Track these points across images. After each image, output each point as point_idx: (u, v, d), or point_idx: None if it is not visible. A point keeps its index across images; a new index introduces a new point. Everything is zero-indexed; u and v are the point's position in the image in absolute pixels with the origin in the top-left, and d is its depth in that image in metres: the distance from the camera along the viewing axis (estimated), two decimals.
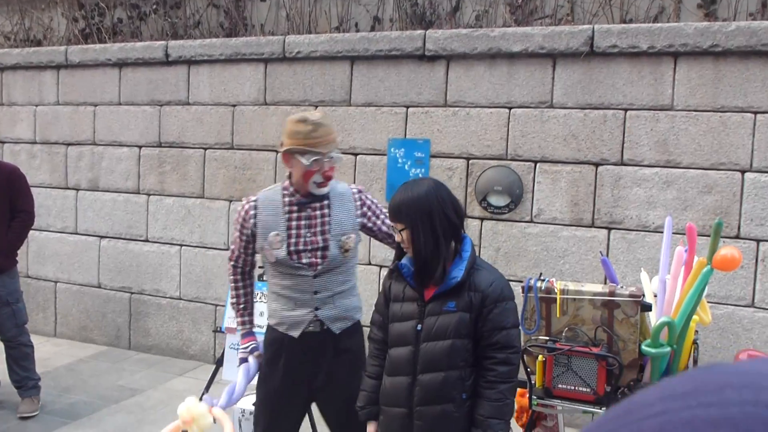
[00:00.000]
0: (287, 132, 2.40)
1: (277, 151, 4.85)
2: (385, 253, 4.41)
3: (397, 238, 2.12)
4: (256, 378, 2.64)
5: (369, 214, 2.53)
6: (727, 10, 3.98)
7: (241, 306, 2.66)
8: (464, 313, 2.03)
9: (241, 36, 5.10)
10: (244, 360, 2.64)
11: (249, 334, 2.67)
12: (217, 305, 5.02)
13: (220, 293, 4.93)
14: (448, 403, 2.03)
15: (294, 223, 2.44)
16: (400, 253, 2.18)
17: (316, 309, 2.45)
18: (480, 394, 2.04)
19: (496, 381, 2.02)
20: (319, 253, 2.42)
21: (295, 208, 2.45)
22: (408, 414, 2.09)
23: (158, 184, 5.27)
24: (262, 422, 2.59)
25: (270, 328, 2.56)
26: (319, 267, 2.42)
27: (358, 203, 2.52)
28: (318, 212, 2.45)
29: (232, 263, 2.63)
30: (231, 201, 5.02)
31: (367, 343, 2.44)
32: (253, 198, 2.51)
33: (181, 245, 5.19)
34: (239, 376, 2.57)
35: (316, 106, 4.72)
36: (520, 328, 2.44)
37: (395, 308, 2.16)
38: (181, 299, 5.20)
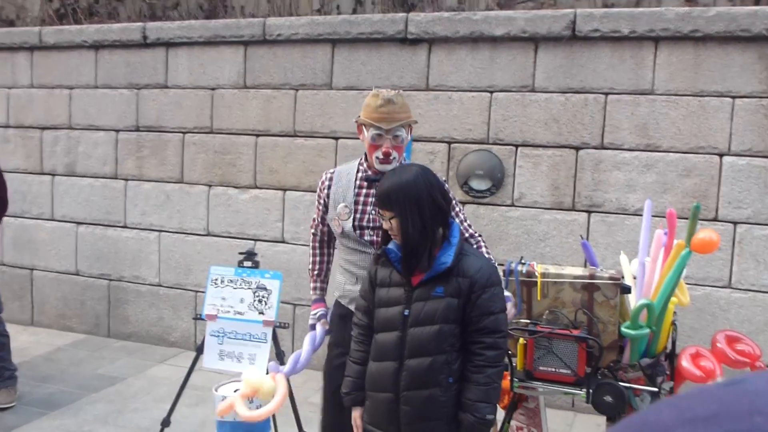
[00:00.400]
0: (363, 104, 2.48)
1: (257, 135, 4.80)
2: None
3: (386, 225, 2.10)
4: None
5: None
6: None
7: (315, 272, 2.75)
8: (452, 299, 2.03)
9: (221, 18, 5.01)
10: (312, 327, 2.69)
11: (319, 300, 2.74)
12: (197, 291, 4.98)
13: (200, 279, 4.89)
14: (435, 387, 2.03)
15: (362, 198, 2.49)
16: (386, 239, 2.16)
17: None
18: (468, 378, 2.04)
19: (484, 365, 2.02)
20: (381, 233, 2.44)
21: (365, 183, 2.50)
22: (395, 399, 2.08)
23: (136, 169, 5.19)
24: (327, 388, 2.59)
25: (337, 303, 2.62)
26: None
27: None
28: None
29: (312, 231, 2.74)
30: (210, 186, 4.96)
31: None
32: (332, 170, 2.61)
33: (160, 231, 5.13)
34: (305, 345, 2.60)
35: (297, 90, 4.67)
36: None
37: (382, 293, 2.15)
38: (160, 286, 5.15)
